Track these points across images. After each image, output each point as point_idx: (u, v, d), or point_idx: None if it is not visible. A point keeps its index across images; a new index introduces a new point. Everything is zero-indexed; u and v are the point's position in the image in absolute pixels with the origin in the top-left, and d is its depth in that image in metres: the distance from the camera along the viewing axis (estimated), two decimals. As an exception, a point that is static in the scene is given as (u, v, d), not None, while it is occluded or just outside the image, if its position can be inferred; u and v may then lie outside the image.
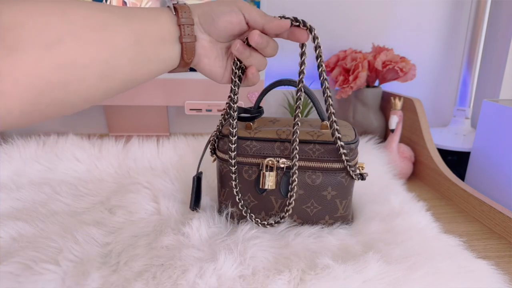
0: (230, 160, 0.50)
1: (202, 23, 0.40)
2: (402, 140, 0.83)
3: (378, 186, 0.66)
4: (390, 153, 0.78)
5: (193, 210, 0.55)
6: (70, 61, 0.29)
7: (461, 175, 0.78)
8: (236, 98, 0.48)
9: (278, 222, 0.51)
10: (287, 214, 0.51)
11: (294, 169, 0.49)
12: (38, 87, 0.28)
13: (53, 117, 0.31)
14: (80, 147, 0.75)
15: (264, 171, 0.51)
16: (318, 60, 0.47)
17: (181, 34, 0.38)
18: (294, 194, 0.50)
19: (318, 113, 0.53)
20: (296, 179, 0.50)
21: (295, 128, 0.48)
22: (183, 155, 0.76)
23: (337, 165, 0.50)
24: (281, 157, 0.51)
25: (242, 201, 0.53)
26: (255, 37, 0.41)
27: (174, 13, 0.39)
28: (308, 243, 0.49)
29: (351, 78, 0.85)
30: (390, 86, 0.97)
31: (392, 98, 0.81)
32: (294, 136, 0.48)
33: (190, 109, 0.84)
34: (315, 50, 0.46)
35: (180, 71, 0.42)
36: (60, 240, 0.47)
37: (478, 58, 0.97)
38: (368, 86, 0.90)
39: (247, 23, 0.42)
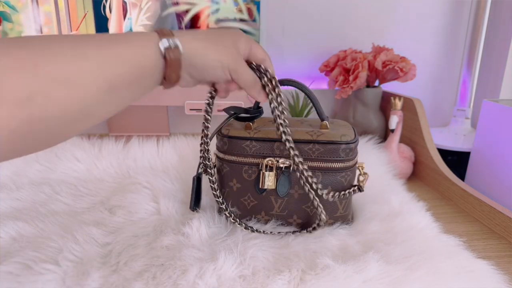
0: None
1: (191, 73, 0.40)
2: (402, 140, 0.83)
3: (378, 186, 0.66)
4: (390, 153, 0.78)
5: (193, 211, 0.55)
6: (41, 116, 0.29)
7: (461, 175, 0.78)
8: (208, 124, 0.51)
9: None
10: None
11: (300, 166, 0.48)
12: (12, 138, 0.29)
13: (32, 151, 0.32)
14: (80, 147, 0.75)
15: (264, 171, 0.51)
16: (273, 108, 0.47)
17: (165, 77, 0.38)
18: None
19: (317, 113, 0.53)
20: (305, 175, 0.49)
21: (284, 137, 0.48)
22: (183, 155, 0.76)
23: (336, 165, 0.50)
24: (280, 157, 0.51)
25: (228, 209, 0.53)
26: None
27: (163, 52, 0.37)
28: (308, 243, 0.49)
29: (351, 78, 0.84)
30: (390, 86, 0.97)
31: (392, 98, 0.81)
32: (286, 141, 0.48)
33: (190, 109, 0.84)
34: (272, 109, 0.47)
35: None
36: (60, 240, 0.47)
37: (478, 58, 0.97)
38: (368, 86, 0.90)
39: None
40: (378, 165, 0.74)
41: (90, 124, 0.34)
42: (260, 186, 0.51)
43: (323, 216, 0.50)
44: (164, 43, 0.36)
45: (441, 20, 1.02)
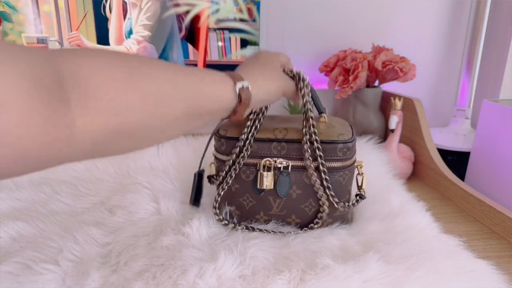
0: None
1: (256, 106, 0.46)
2: (402, 140, 0.83)
3: (378, 186, 0.66)
4: (390, 153, 0.78)
5: (193, 205, 0.55)
6: (131, 125, 0.32)
7: (461, 175, 0.78)
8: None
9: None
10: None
11: (321, 167, 0.50)
12: (99, 142, 0.31)
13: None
14: (80, 147, 0.75)
15: (261, 171, 0.51)
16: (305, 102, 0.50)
17: (235, 112, 0.43)
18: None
19: (316, 107, 0.53)
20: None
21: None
22: (183, 155, 0.76)
23: (334, 164, 0.50)
24: (278, 157, 0.51)
25: (218, 211, 0.53)
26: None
27: (237, 97, 0.42)
28: (308, 243, 0.49)
29: (351, 78, 0.84)
30: (390, 86, 0.97)
31: (392, 98, 0.81)
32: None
33: (190, 109, 0.84)
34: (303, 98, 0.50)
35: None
36: (60, 240, 0.47)
37: (478, 58, 0.97)
38: (368, 86, 0.90)
39: None
40: (378, 165, 0.74)
41: (160, 141, 0.39)
42: (258, 187, 0.51)
43: (325, 215, 0.50)
44: (238, 85, 0.42)
45: (441, 20, 1.02)
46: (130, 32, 0.86)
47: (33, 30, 0.82)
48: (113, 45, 0.86)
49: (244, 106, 0.42)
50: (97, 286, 0.41)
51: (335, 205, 0.50)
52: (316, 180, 0.50)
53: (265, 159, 0.51)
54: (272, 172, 0.51)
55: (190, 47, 0.88)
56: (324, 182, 0.50)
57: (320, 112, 0.53)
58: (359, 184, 0.54)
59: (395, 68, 0.84)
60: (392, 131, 0.80)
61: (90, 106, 0.29)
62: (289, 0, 0.96)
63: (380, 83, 0.91)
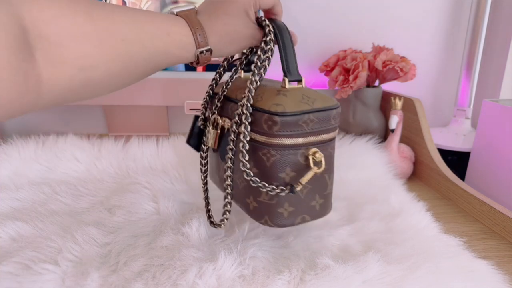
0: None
1: (218, 43, 0.42)
2: (402, 140, 0.83)
3: (378, 186, 0.66)
4: (390, 153, 0.78)
5: (189, 145, 0.53)
6: (97, 80, 0.34)
7: (461, 175, 0.78)
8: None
9: (222, 222, 0.47)
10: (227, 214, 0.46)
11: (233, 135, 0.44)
12: (65, 96, 0.34)
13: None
14: (79, 147, 0.75)
15: (209, 127, 0.48)
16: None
17: (198, 60, 0.42)
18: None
19: (285, 68, 0.43)
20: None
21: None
22: (183, 155, 0.76)
23: (258, 137, 0.42)
24: (226, 117, 0.47)
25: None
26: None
27: (194, 39, 0.40)
28: (308, 243, 0.49)
29: (351, 78, 0.84)
30: (390, 86, 0.97)
31: (392, 98, 0.81)
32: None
33: (190, 109, 0.84)
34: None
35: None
36: (60, 240, 0.47)
37: (478, 58, 0.97)
38: (368, 86, 0.90)
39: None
40: (378, 165, 0.74)
41: (126, 84, 0.39)
42: (205, 144, 0.49)
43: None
44: (197, 51, 0.41)
45: (441, 20, 1.02)
46: (130, 32, 0.86)
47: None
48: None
49: (202, 64, 0.42)
50: (97, 286, 0.41)
51: (245, 175, 0.41)
52: (232, 148, 0.44)
53: (213, 116, 0.48)
54: (215, 130, 0.47)
55: (190, 47, 0.88)
56: (240, 147, 0.41)
57: (285, 75, 0.43)
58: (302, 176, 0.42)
59: (395, 68, 0.84)
60: (392, 131, 0.80)
61: (54, 60, 0.31)
62: (289, 0, 0.96)
63: (380, 83, 0.91)
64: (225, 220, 0.46)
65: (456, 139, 0.94)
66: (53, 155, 0.73)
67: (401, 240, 0.49)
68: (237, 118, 0.43)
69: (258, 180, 0.41)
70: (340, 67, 0.89)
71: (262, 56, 0.43)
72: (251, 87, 0.42)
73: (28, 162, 0.71)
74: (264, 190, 0.41)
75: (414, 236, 0.50)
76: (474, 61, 0.97)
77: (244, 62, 0.50)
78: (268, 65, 0.44)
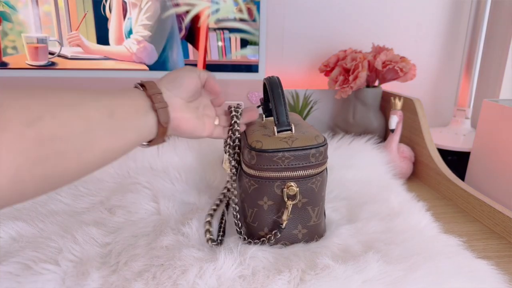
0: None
1: (171, 89, 0.45)
2: (402, 140, 0.83)
3: (378, 186, 0.66)
4: (390, 153, 0.78)
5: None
6: (49, 136, 0.31)
7: (461, 175, 0.78)
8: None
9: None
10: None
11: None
12: (19, 162, 0.29)
13: (36, 195, 0.33)
14: (80, 147, 0.75)
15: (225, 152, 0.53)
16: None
17: (153, 102, 0.42)
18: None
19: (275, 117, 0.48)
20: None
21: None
22: (183, 155, 0.76)
23: (268, 174, 0.46)
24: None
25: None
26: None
27: (142, 88, 0.42)
28: (308, 243, 0.49)
29: (351, 78, 0.84)
30: (390, 86, 0.97)
31: (392, 98, 0.81)
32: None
33: (190, 109, 0.84)
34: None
35: (158, 142, 0.45)
36: (60, 240, 0.47)
37: (478, 58, 0.97)
38: (368, 86, 0.90)
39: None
40: (378, 165, 0.74)
41: (90, 164, 0.35)
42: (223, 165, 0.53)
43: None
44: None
45: (441, 20, 1.02)
46: (130, 32, 0.85)
47: (33, 30, 0.82)
48: (113, 45, 0.86)
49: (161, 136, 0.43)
50: (97, 286, 0.41)
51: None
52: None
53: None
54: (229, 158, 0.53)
55: (190, 47, 0.88)
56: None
57: (275, 124, 0.48)
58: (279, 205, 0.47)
59: (395, 68, 0.84)
60: (392, 131, 0.80)
61: (2, 141, 0.28)
62: (289, 0, 0.96)
63: (380, 83, 0.91)
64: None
65: (456, 139, 0.94)
66: (53, 155, 0.73)
67: (401, 240, 0.49)
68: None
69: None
70: (340, 67, 0.89)
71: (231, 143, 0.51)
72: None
73: (28, 162, 0.71)
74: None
75: (414, 236, 0.50)
76: (474, 61, 0.97)
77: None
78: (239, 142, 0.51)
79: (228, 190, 0.56)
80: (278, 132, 0.47)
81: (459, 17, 1.02)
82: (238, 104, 0.54)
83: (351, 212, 0.58)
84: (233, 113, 0.51)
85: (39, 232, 0.50)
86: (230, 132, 0.51)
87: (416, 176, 0.82)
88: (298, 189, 0.45)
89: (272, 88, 0.49)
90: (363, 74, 0.83)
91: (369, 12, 1.00)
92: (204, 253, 0.46)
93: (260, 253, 0.45)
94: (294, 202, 0.46)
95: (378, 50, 0.88)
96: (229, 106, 0.53)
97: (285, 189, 0.45)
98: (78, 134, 0.33)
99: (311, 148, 0.45)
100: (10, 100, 0.30)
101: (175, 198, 0.59)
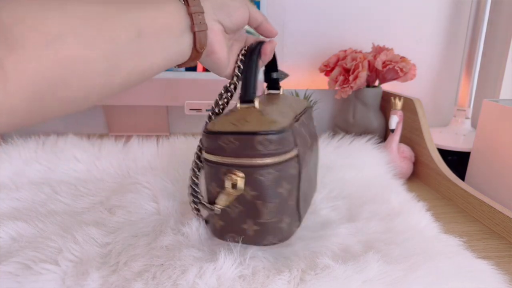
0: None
1: (217, 13, 0.40)
2: (402, 140, 0.83)
3: (378, 186, 0.66)
4: (390, 153, 0.78)
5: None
6: (70, 57, 0.28)
7: (461, 175, 0.78)
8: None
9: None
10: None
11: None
12: (38, 84, 0.27)
13: (56, 116, 0.31)
14: (79, 147, 0.75)
15: None
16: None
17: (193, 23, 0.37)
18: None
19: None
20: None
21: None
22: (183, 155, 0.76)
23: (213, 158, 0.43)
24: None
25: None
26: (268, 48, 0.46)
27: (183, 2, 0.37)
28: (308, 243, 0.49)
29: (351, 78, 0.84)
30: (390, 86, 0.97)
31: (392, 98, 0.81)
32: None
33: (190, 109, 0.84)
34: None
35: (188, 65, 0.41)
36: (60, 240, 0.47)
37: (478, 58, 0.97)
38: (368, 86, 0.90)
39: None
40: (378, 165, 0.74)
41: (114, 86, 0.33)
42: None
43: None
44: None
45: (441, 20, 1.02)
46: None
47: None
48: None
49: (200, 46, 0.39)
50: (97, 286, 0.41)
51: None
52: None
53: None
54: None
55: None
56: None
57: (239, 96, 0.45)
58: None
59: (395, 68, 0.84)
60: (392, 131, 0.80)
61: (19, 59, 0.26)
62: (289, 0, 0.96)
63: (380, 83, 0.91)
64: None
65: (456, 139, 0.94)
66: (53, 155, 0.73)
67: (401, 240, 0.49)
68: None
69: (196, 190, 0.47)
70: (340, 67, 0.89)
71: (223, 94, 0.48)
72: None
73: (29, 162, 0.71)
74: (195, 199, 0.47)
75: (414, 236, 0.50)
76: (474, 61, 0.97)
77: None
78: (227, 104, 0.48)
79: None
80: (241, 103, 0.44)
81: (459, 17, 1.02)
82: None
83: (351, 212, 0.58)
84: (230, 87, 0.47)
85: (39, 232, 0.50)
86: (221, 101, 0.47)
87: (416, 176, 0.82)
88: (244, 179, 0.41)
89: (250, 54, 0.45)
90: (363, 74, 0.83)
91: (369, 12, 1.00)
92: (204, 253, 0.46)
93: (260, 253, 0.46)
94: (236, 191, 0.42)
95: (378, 50, 0.88)
96: (225, 85, 0.49)
97: (227, 176, 0.42)
98: (101, 57, 0.30)
99: (258, 134, 0.40)
100: (26, 13, 0.27)
101: (175, 198, 0.59)
